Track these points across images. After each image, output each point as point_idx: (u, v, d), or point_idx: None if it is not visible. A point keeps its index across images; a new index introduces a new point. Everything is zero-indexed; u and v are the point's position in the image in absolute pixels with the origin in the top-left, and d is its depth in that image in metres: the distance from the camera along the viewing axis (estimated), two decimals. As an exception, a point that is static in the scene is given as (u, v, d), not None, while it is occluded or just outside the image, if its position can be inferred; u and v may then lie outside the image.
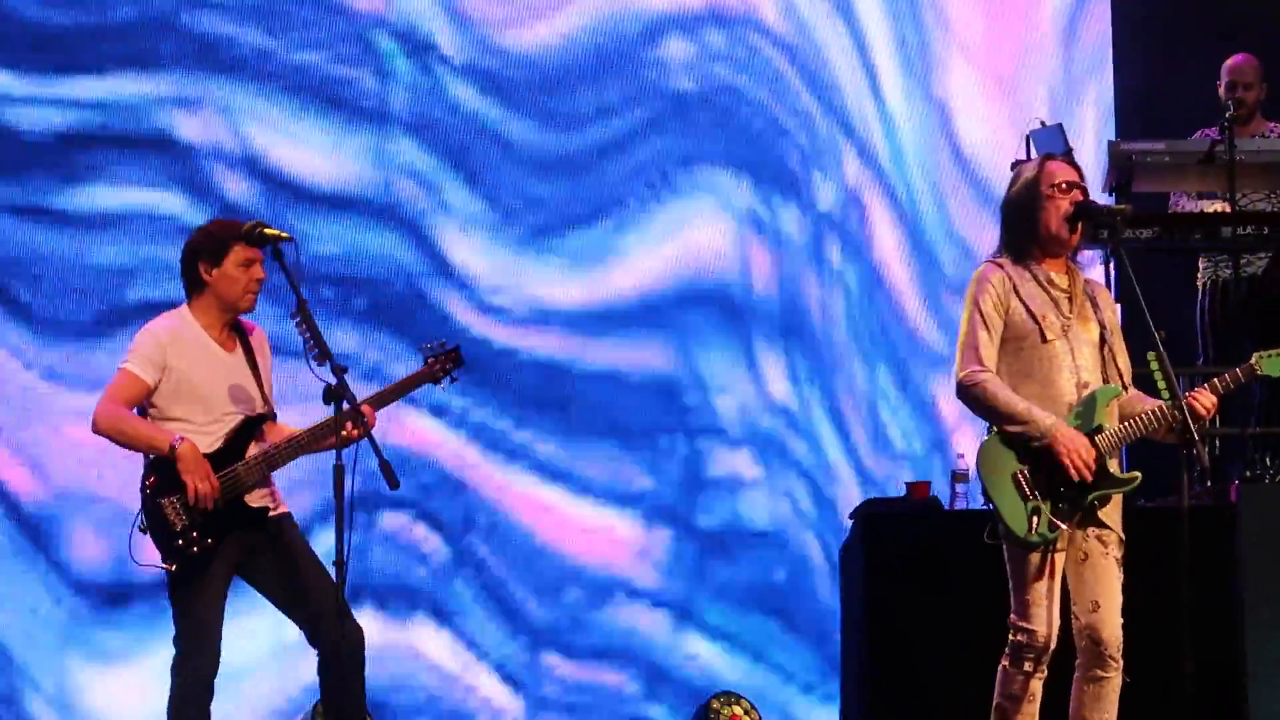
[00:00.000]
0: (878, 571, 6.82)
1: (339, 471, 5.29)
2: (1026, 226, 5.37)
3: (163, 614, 5.66)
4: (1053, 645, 5.25)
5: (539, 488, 8.39)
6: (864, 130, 8.75)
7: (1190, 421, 5.16)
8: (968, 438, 8.07)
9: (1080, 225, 5.35)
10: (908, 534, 6.91)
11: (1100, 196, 7.48)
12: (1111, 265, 7.44)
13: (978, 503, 6.33)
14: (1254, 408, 7.65)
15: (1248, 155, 7.48)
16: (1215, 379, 5.32)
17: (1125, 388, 5.35)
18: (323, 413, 5.45)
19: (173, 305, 5.80)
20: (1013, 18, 8.87)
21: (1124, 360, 5.39)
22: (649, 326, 8.52)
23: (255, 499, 5.64)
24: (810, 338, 8.62)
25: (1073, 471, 5.16)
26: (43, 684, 7.98)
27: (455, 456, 8.34)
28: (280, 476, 5.77)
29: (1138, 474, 5.28)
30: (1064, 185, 5.35)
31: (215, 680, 5.58)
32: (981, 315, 5.31)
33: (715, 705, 8.02)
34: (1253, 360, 5.33)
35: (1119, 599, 5.26)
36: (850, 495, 8.37)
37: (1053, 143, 7.36)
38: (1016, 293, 5.33)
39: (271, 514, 5.67)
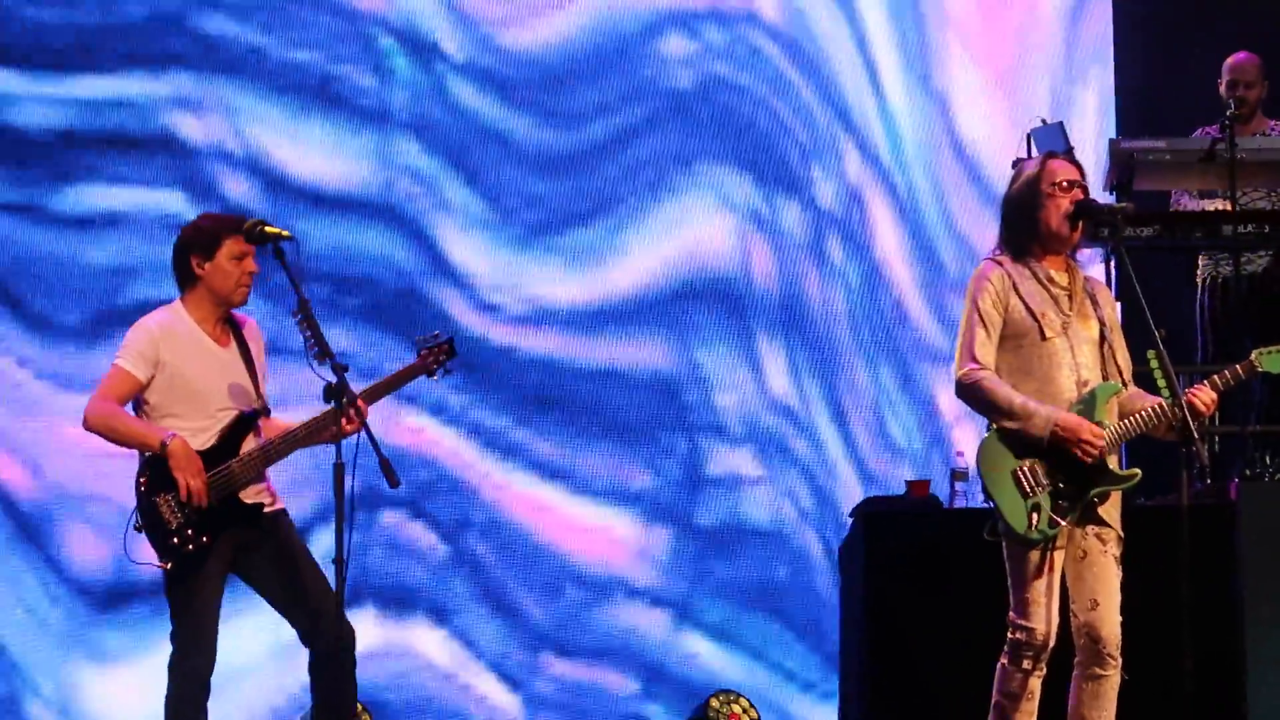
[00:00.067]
0: (877, 570, 6.83)
1: (339, 470, 5.29)
2: (1027, 224, 5.38)
3: (163, 614, 5.65)
4: (1052, 643, 5.25)
5: (538, 486, 8.38)
6: (864, 127, 8.74)
7: (1190, 419, 5.17)
8: (968, 435, 8.07)
9: (1081, 224, 5.35)
10: (908, 532, 6.91)
11: (1101, 195, 7.48)
12: (1112, 263, 7.44)
13: (977, 501, 6.33)
14: (1254, 405, 7.65)
15: (1249, 154, 7.48)
16: (1215, 376, 5.33)
17: (1125, 385, 5.36)
18: (322, 410, 5.45)
19: (171, 304, 5.80)
20: (1013, 15, 8.87)
21: (1124, 358, 5.40)
22: (649, 324, 8.51)
23: (250, 495, 5.63)
24: (811, 335, 8.61)
25: (1083, 453, 5.15)
26: (42, 685, 7.98)
27: (454, 455, 8.33)
28: (280, 475, 5.76)
29: (1137, 471, 5.28)
30: (1065, 184, 5.35)
31: (213, 679, 5.57)
32: (980, 313, 5.32)
33: (715, 704, 8.02)
34: (1252, 357, 5.33)
35: (1118, 597, 5.26)
36: (850, 493, 8.36)
37: (1054, 141, 7.36)
38: (1016, 290, 5.33)
39: (267, 510, 5.66)
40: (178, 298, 5.71)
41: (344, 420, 5.39)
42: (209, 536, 5.53)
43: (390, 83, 8.43)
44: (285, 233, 5.51)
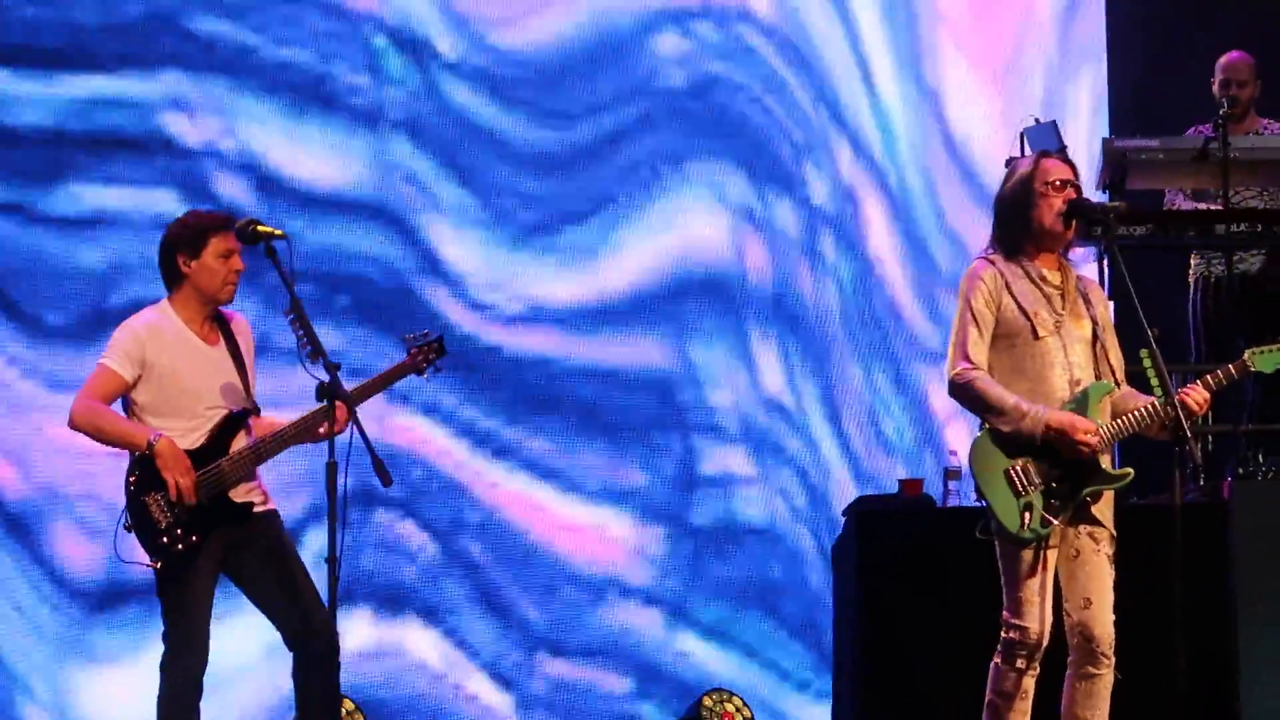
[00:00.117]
0: (871, 569, 6.83)
1: (331, 469, 5.28)
2: (1020, 223, 5.38)
3: (155, 614, 5.65)
4: (1045, 642, 5.25)
5: (531, 485, 8.37)
6: (858, 125, 8.73)
7: (1183, 418, 5.17)
8: (961, 434, 8.07)
9: (1074, 223, 5.35)
10: (901, 531, 6.92)
11: (1094, 194, 7.48)
12: (1105, 262, 7.44)
13: (970, 500, 6.32)
14: (1246, 404, 7.65)
15: (1241, 152, 7.49)
16: (1208, 375, 5.33)
17: (1118, 384, 5.36)
18: (312, 409, 5.45)
19: (164, 305, 5.78)
20: (1007, 14, 8.87)
21: (1116, 357, 5.40)
22: (642, 323, 8.50)
23: (240, 494, 5.62)
24: (804, 332, 8.61)
25: (1079, 448, 5.14)
26: (34, 687, 7.96)
27: (446, 454, 8.32)
28: (273, 475, 5.75)
29: (1130, 470, 5.29)
30: (1058, 183, 5.35)
31: (206, 678, 5.57)
32: (973, 312, 5.32)
33: (708, 703, 8.01)
34: (1245, 356, 5.33)
35: (1111, 596, 5.27)
36: (844, 492, 8.35)
37: (1047, 140, 7.36)
38: (1008, 289, 5.33)
39: (258, 510, 5.65)
40: (165, 297, 5.71)
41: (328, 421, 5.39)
42: (199, 535, 5.52)
43: (384, 82, 8.42)
44: (278, 232, 5.50)
